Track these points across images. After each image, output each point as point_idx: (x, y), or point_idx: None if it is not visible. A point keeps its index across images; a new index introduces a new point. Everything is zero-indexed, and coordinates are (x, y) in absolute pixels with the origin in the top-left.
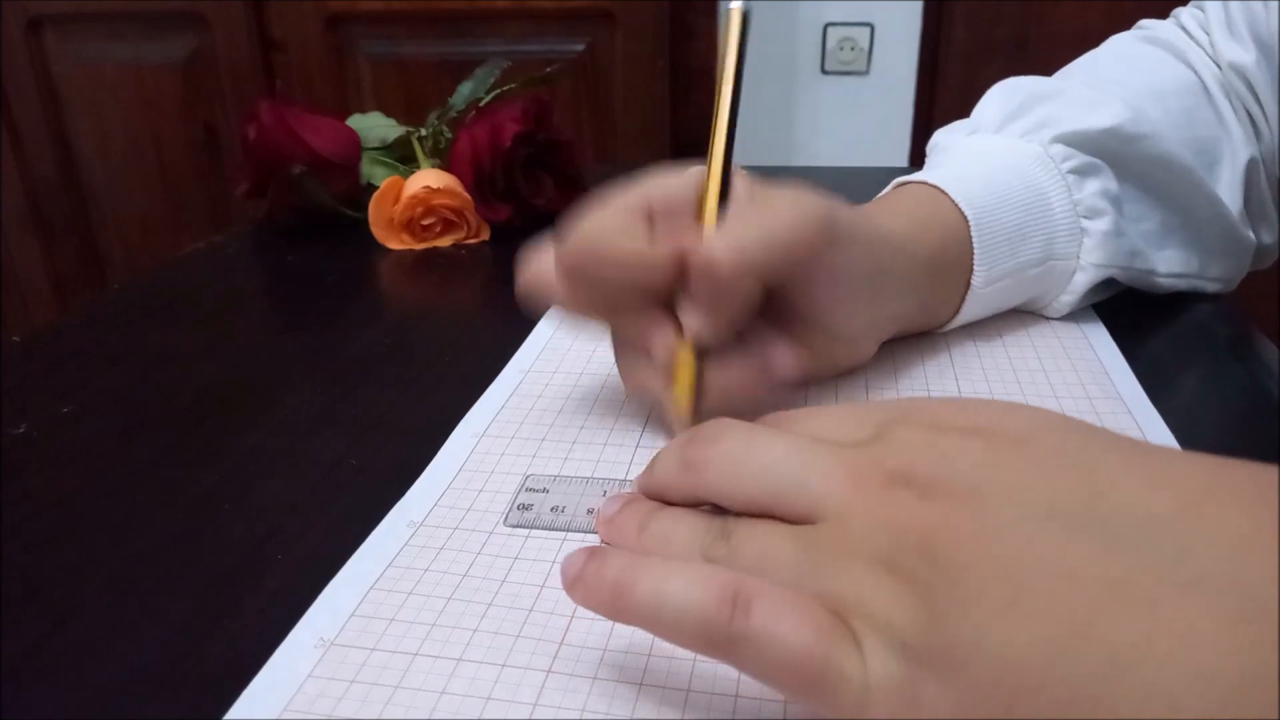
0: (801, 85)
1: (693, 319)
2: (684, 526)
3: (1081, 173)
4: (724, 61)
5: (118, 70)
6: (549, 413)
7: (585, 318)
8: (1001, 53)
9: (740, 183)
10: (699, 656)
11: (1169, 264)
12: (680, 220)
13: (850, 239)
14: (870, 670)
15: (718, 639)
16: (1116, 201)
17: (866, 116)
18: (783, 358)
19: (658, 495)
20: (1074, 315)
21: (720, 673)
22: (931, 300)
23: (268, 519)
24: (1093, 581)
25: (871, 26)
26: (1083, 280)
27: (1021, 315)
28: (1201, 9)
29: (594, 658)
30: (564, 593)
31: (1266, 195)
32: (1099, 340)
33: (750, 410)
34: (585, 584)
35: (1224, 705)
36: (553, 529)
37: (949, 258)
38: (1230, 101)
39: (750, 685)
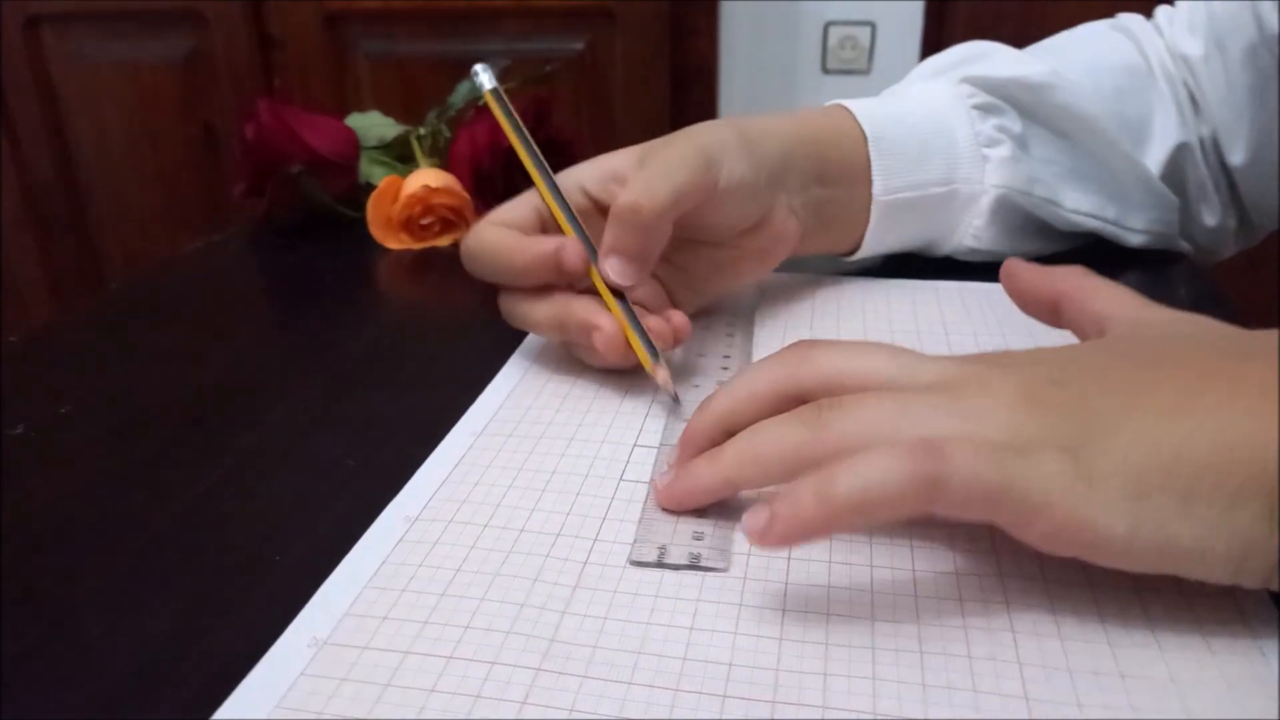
0: (802, 84)
1: (614, 266)
2: (774, 428)
3: (985, 109)
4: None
5: (116, 69)
6: (547, 411)
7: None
8: None
9: (626, 158)
10: (688, 654)
11: (1077, 201)
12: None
13: (730, 167)
14: (1045, 467)
15: (931, 488)
16: (1019, 139)
17: None
18: (672, 321)
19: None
20: None
21: (708, 672)
22: (829, 201)
23: (265, 519)
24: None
25: (873, 25)
26: (985, 202)
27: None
28: (1178, 7)
29: (584, 655)
30: (556, 588)
31: (1205, 178)
32: None
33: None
34: (783, 517)
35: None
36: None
37: (841, 157)
38: (1174, 90)
39: (739, 685)
